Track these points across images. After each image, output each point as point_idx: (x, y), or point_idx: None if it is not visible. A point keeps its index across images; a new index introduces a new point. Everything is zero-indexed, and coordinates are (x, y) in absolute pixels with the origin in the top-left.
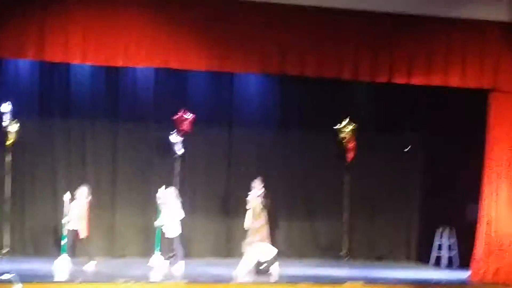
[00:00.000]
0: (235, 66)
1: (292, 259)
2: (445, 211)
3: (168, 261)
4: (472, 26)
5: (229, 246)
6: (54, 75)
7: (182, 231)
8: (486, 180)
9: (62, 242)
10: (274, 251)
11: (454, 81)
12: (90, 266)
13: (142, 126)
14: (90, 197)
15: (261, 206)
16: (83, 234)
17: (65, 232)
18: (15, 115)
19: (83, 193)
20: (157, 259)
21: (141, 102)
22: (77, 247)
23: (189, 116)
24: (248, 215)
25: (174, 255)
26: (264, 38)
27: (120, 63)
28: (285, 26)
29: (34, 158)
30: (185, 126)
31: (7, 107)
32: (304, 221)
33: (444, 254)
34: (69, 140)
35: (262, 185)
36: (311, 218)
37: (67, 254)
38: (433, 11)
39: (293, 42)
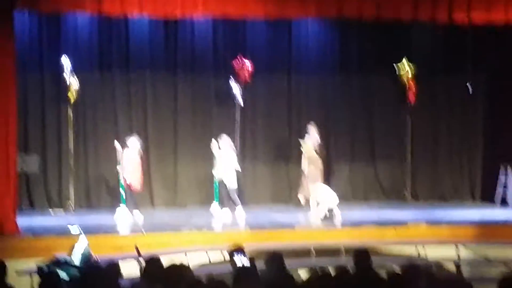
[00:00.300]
0: (292, 11)
1: (355, 202)
2: (509, 150)
3: (228, 210)
4: None
5: (291, 193)
6: (113, 29)
7: (243, 179)
8: None
9: (122, 192)
10: (336, 199)
11: None
12: (137, 216)
13: (202, 77)
14: (141, 150)
15: (315, 151)
16: (136, 187)
17: (122, 182)
18: (76, 69)
19: (134, 143)
20: (216, 208)
21: (200, 53)
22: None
23: (248, 64)
24: (304, 160)
25: (232, 204)
26: None
27: (177, 14)
28: None
29: (95, 112)
30: (245, 75)
31: (67, 61)
32: (367, 164)
33: (510, 192)
34: (129, 93)
35: (317, 130)
36: (374, 161)
37: (125, 205)
38: None
39: None
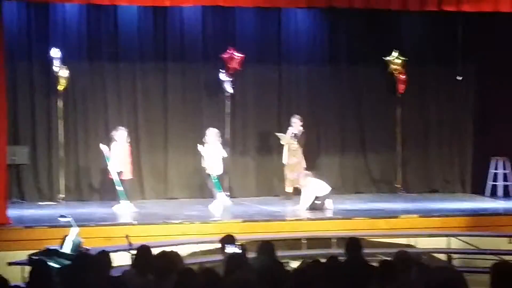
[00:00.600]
0: (282, 1)
1: (346, 193)
2: (499, 141)
3: (221, 201)
4: None
5: (280, 185)
6: (101, 18)
7: (233, 170)
8: None
9: (119, 189)
10: (328, 187)
11: (505, 7)
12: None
13: (191, 66)
14: (129, 139)
15: (296, 143)
16: (127, 176)
17: (116, 178)
18: (65, 60)
19: (122, 135)
20: (224, 198)
21: (190, 42)
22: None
23: (238, 54)
24: (284, 152)
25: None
26: None
27: (167, 3)
28: None
29: (85, 102)
30: (234, 64)
31: (57, 52)
32: (357, 155)
33: (500, 184)
34: (119, 83)
35: (300, 122)
36: (364, 152)
37: (126, 199)
38: None
39: None
